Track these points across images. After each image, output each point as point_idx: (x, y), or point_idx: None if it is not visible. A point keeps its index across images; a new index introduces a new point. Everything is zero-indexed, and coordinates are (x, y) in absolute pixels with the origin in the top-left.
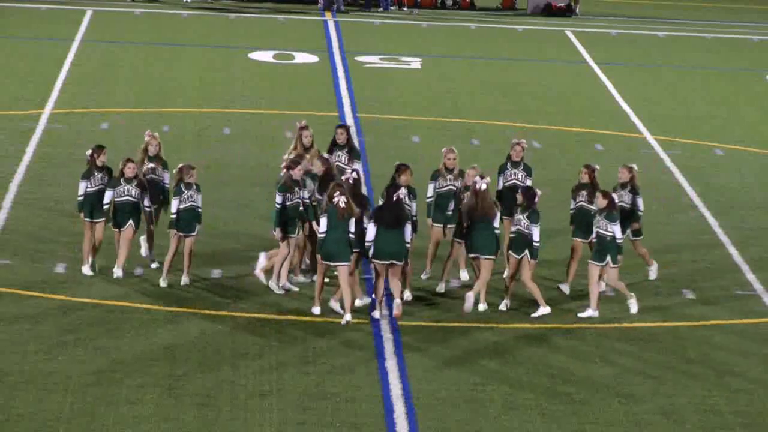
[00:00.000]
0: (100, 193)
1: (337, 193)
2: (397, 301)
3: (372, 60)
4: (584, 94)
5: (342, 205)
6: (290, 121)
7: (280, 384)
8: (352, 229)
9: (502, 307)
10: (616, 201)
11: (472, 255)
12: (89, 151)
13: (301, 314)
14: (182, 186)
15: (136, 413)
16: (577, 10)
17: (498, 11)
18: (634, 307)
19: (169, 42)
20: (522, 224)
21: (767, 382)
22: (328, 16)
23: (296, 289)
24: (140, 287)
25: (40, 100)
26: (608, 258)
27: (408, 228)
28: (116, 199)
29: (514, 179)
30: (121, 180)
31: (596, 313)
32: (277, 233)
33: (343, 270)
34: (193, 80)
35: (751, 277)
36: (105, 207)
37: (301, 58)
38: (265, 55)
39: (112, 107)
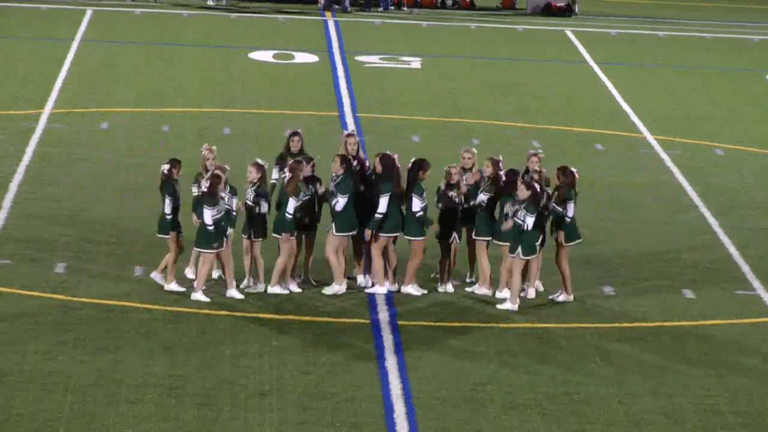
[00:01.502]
0: (179, 207)
1: (286, 169)
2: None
3: (372, 60)
4: (584, 94)
5: (284, 182)
6: (290, 121)
7: (280, 384)
8: (290, 209)
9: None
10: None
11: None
12: (167, 166)
13: (301, 314)
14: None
15: (136, 413)
16: (577, 10)
17: (498, 11)
18: (508, 304)
19: (169, 42)
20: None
21: (767, 382)
22: (328, 16)
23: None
24: (140, 287)
25: (40, 100)
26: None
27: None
28: (215, 216)
29: None
30: (216, 196)
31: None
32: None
33: (281, 244)
34: (193, 80)
35: (751, 277)
36: (210, 228)
37: (301, 58)
38: (265, 55)
39: (112, 107)
